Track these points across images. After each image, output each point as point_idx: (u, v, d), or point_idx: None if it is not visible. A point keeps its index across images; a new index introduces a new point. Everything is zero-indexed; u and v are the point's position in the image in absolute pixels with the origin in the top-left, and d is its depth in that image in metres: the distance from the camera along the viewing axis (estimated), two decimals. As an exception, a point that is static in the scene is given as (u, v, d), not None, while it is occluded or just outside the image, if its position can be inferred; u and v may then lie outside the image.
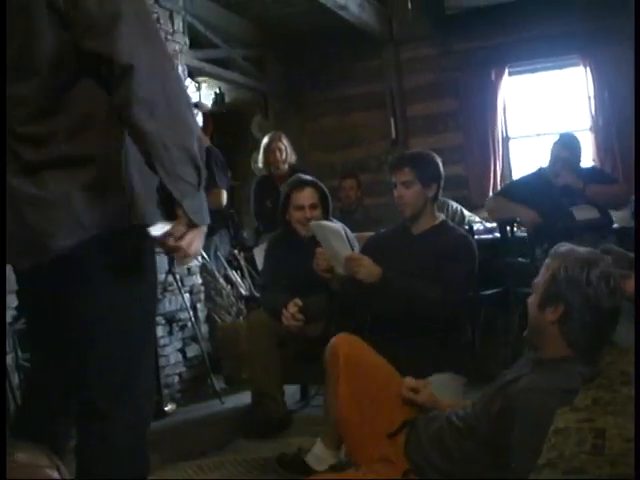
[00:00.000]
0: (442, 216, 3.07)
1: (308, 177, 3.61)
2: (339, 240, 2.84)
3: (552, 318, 1.85)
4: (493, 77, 6.04)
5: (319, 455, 2.58)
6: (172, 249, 1.57)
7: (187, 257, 1.60)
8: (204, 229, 1.61)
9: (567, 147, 3.99)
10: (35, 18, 1.52)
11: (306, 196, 3.44)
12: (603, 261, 1.84)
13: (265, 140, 5.28)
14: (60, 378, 1.75)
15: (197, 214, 1.56)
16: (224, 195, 4.96)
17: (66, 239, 1.54)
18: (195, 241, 1.58)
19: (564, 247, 1.90)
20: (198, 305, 4.48)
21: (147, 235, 1.57)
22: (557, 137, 4.17)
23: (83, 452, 1.64)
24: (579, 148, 4.05)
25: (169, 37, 4.32)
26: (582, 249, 1.89)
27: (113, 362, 1.64)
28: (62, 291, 1.61)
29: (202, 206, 1.58)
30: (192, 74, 5.63)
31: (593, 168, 4.94)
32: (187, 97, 1.69)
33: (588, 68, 5.79)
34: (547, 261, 1.92)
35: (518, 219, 4.13)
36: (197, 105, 5.55)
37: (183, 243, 1.56)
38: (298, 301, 3.23)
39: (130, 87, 1.46)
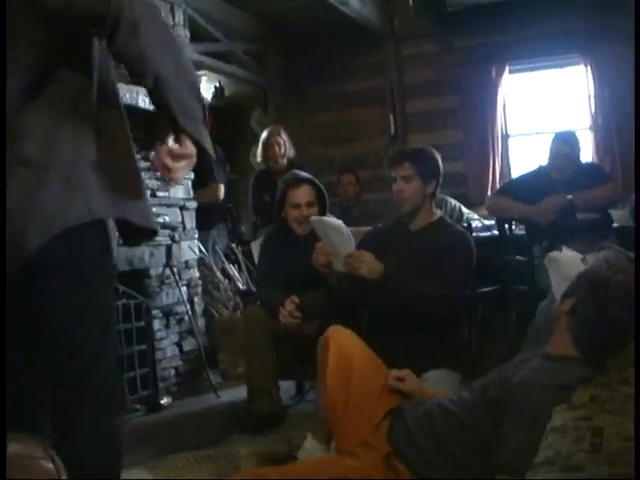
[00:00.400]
0: (440, 212, 3.07)
1: (304, 174, 3.58)
2: (339, 236, 2.83)
3: (564, 308, 1.91)
4: (493, 75, 6.01)
5: (310, 450, 2.57)
6: (166, 167, 1.68)
7: (176, 179, 1.73)
8: (194, 160, 1.74)
9: (567, 143, 3.96)
10: (14, 18, 1.53)
11: (302, 194, 3.42)
12: (632, 273, 1.85)
13: (264, 134, 5.27)
14: (33, 375, 1.76)
15: (212, 149, 1.75)
16: (222, 189, 4.94)
17: (35, 239, 1.54)
18: (187, 167, 1.72)
19: (613, 250, 1.96)
20: (195, 299, 4.47)
21: (105, 230, 1.67)
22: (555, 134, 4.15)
23: (57, 444, 1.64)
24: (578, 144, 4.03)
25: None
26: (625, 258, 1.95)
27: (76, 354, 1.67)
28: (26, 289, 1.62)
29: (209, 139, 1.75)
30: (192, 67, 5.60)
31: (592, 164, 4.93)
32: (179, 41, 1.76)
33: (589, 67, 5.76)
34: None
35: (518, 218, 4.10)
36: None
37: (177, 165, 1.69)
38: (295, 298, 3.22)
39: (129, 36, 1.55)
